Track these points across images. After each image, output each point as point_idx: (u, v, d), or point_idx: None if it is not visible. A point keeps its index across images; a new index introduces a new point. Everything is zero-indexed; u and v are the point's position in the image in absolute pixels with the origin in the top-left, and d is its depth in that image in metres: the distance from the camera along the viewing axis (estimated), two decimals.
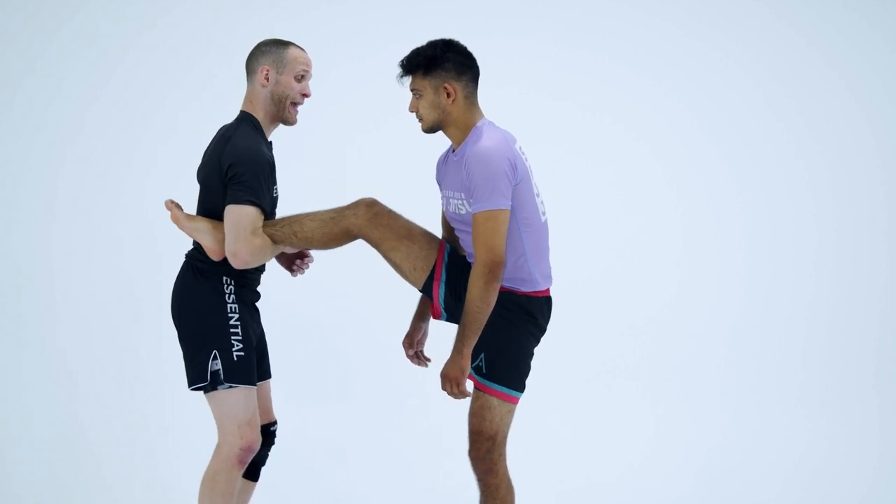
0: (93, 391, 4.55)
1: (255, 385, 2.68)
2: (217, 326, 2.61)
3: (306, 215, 2.67)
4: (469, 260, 2.63)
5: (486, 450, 2.57)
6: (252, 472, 2.87)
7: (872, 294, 5.04)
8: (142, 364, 4.69)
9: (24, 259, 4.93)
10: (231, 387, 2.59)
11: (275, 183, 2.73)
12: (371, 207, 2.62)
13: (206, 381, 2.58)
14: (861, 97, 5.17)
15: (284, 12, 5.16)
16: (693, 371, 4.85)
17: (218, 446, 2.63)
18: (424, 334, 2.90)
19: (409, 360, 2.92)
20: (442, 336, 2.81)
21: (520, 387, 2.62)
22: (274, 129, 2.77)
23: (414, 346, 2.88)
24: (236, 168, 2.55)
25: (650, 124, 5.20)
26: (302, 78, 2.69)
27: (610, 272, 5.03)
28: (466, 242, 2.63)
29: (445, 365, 2.55)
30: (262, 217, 2.61)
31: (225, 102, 4.96)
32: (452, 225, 2.69)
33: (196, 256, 2.68)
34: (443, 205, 2.72)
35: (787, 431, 4.45)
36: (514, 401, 2.61)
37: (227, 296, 2.64)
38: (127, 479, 3.79)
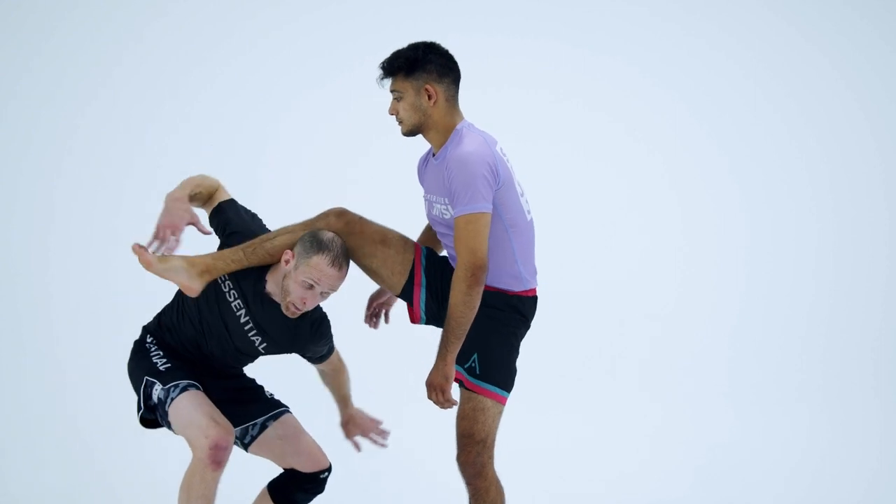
0: (92, 391, 4.54)
1: (196, 385, 2.63)
2: (142, 361, 2.69)
3: (276, 233, 2.62)
4: (453, 263, 2.57)
5: (476, 453, 2.51)
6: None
7: (872, 294, 5.04)
8: None
9: (23, 258, 4.92)
10: (172, 400, 2.56)
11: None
12: (342, 216, 2.57)
13: (154, 415, 2.64)
14: (862, 97, 5.17)
15: (285, 13, 5.16)
16: (694, 371, 4.85)
17: (192, 456, 2.58)
18: (392, 297, 2.85)
19: (364, 322, 2.88)
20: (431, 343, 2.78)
21: (510, 387, 2.59)
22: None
23: (372, 305, 2.86)
24: (233, 229, 2.67)
25: (651, 124, 5.19)
26: (309, 287, 2.51)
27: (610, 272, 5.03)
28: (451, 246, 2.57)
29: (430, 373, 2.50)
30: None
31: (225, 103, 5.01)
32: (436, 229, 2.66)
33: (147, 329, 2.77)
34: (426, 208, 2.68)
35: (787, 431, 4.45)
36: (504, 401, 2.57)
37: (147, 343, 2.73)
38: (127, 479, 3.78)
